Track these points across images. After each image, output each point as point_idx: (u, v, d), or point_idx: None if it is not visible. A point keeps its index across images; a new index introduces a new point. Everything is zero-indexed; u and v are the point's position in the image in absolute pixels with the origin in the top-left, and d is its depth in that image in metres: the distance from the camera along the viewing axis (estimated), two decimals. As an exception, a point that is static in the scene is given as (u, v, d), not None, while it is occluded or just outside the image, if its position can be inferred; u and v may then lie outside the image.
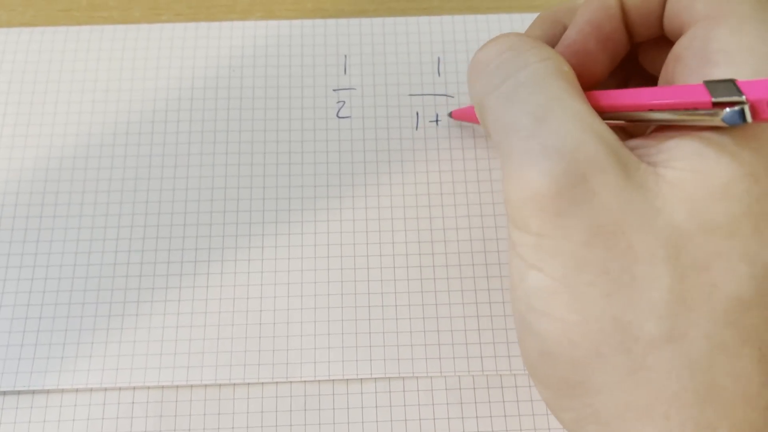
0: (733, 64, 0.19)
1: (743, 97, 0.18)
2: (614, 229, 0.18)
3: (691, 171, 0.18)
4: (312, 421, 0.27)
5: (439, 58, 0.34)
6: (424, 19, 0.34)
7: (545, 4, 0.35)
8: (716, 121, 0.18)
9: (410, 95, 0.33)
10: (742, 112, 0.18)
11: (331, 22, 0.34)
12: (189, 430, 0.27)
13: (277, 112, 0.32)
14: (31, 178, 0.31)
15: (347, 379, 0.28)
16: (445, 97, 0.33)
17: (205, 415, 0.27)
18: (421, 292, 0.29)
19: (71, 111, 0.32)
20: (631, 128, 0.25)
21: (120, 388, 0.27)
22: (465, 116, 0.31)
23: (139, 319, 0.28)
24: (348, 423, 0.27)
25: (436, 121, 0.32)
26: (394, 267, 0.30)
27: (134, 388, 0.27)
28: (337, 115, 0.32)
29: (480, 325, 0.29)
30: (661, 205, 0.18)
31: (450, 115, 0.32)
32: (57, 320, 0.28)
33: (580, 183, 0.18)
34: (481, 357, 0.28)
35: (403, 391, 0.28)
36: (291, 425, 0.27)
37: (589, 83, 0.23)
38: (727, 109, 0.18)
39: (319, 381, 0.28)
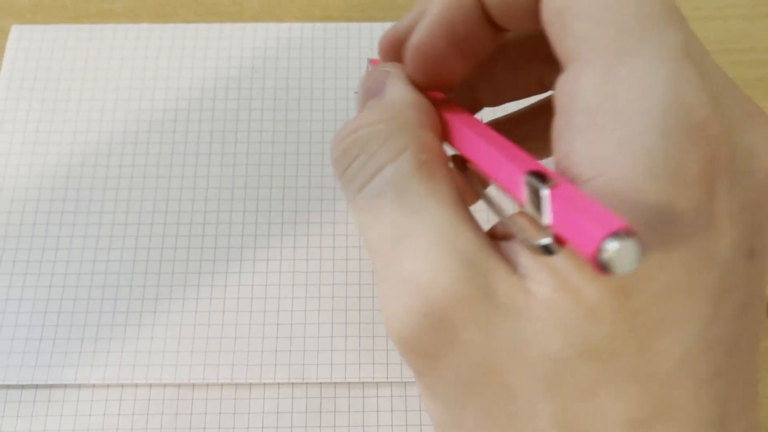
0: (596, 130, 0.15)
1: (548, 225, 0.15)
2: (486, 369, 0.16)
3: (560, 290, 0.15)
4: (327, 423, 0.27)
5: (461, 63, 0.34)
6: (447, 24, 0.34)
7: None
8: (527, 242, 0.15)
9: (432, 99, 0.33)
10: (546, 247, 0.15)
11: (353, 25, 0.34)
12: (204, 428, 0.27)
13: (298, 114, 0.32)
14: (53, 173, 0.31)
15: (363, 382, 0.28)
16: (466, 102, 0.33)
17: (220, 414, 0.27)
18: (439, 296, 0.29)
19: (94, 108, 0.33)
20: None
21: (136, 385, 0.27)
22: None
23: (157, 316, 0.28)
24: (363, 426, 0.27)
25: (457, 125, 0.32)
26: (413, 271, 0.29)
27: (150, 385, 0.27)
28: (358, 118, 0.32)
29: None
30: (533, 332, 0.16)
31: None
32: (76, 315, 0.28)
33: (441, 321, 0.16)
34: (499, 363, 0.28)
35: (419, 395, 0.27)
36: (306, 427, 0.27)
37: (449, 85, 0.20)
38: (535, 243, 0.15)
39: (335, 383, 0.28)
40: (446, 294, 0.16)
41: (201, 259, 0.30)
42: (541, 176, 0.15)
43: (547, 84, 0.22)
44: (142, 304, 0.29)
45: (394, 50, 0.21)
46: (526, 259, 0.16)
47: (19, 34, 0.34)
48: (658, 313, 0.15)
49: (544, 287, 0.16)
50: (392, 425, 0.27)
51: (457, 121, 0.19)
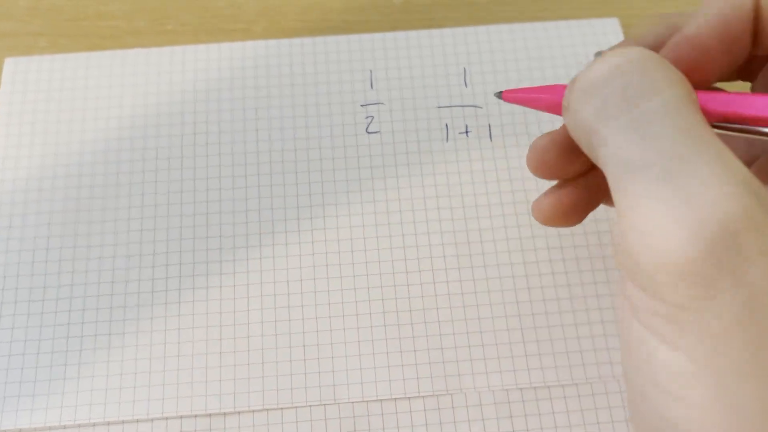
0: None
1: None
2: None
3: None
4: (362, 442, 0.27)
5: (465, 69, 0.34)
6: (447, 31, 0.34)
7: (552, 15, 0.35)
8: None
9: (438, 107, 0.33)
10: None
11: (354, 37, 0.34)
12: (239, 457, 0.27)
13: (306, 131, 0.32)
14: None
15: (395, 398, 0.28)
16: (473, 108, 0.33)
17: (254, 441, 0.27)
18: (463, 306, 0.29)
19: (98, 139, 0.32)
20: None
21: (167, 418, 0.27)
22: (521, 99, 0.25)
23: (182, 347, 0.28)
24: (399, 442, 0.27)
25: (466, 132, 0.32)
26: (434, 282, 0.29)
27: (181, 417, 0.27)
28: (367, 131, 0.32)
29: (524, 337, 0.28)
30: None
31: (499, 95, 0.25)
32: (98, 351, 0.28)
33: (734, 245, 0.15)
34: (528, 369, 0.28)
35: (452, 407, 0.27)
36: (342, 447, 0.27)
37: (697, 84, 0.20)
38: None
39: (367, 401, 0.27)
40: (742, 215, 0.15)
41: (221, 286, 0.29)
42: None
43: None
44: (165, 335, 0.28)
45: (664, 25, 0.21)
46: None
47: (14, 66, 0.33)
48: None
49: None
50: (428, 439, 0.27)
51: (722, 94, 0.19)
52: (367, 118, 0.33)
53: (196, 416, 0.27)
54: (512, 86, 0.33)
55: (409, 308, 0.29)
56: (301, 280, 0.29)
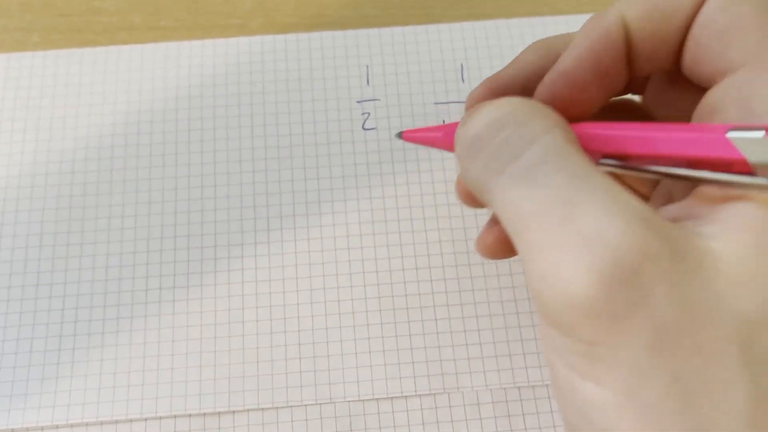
0: None
1: None
2: (678, 328, 0.16)
3: (752, 247, 0.16)
4: (359, 441, 0.27)
5: (462, 65, 0.33)
6: (444, 27, 0.34)
7: (550, 10, 0.35)
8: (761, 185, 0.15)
9: (435, 103, 0.32)
10: None
11: (350, 33, 0.34)
12: (234, 457, 0.26)
13: (302, 127, 0.32)
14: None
15: (392, 397, 0.27)
16: (471, 104, 0.32)
17: (249, 440, 0.27)
18: (461, 304, 0.29)
19: (91, 135, 0.32)
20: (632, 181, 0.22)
21: (161, 417, 0.27)
22: (419, 139, 0.25)
23: (176, 346, 0.28)
24: (395, 442, 0.27)
25: (464, 129, 0.32)
26: (431, 280, 0.29)
27: (176, 416, 0.27)
28: (363, 127, 0.32)
29: (522, 335, 0.28)
30: (722, 291, 0.16)
31: (399, 136, 0.25)
32: (91, 350, 0.28)
33: (633, 278, 0.15)
34: (526, 367, 0.28)
35: (449, 406, 0.27)
36: (338, 447, 0.27)
37: (575, 118, 0.21)
38: None
39: (363, 400, 0.27)
40: (638, 248, 0.15)
41: (215, 284, 0.29)
42: (739, 129, 0.16)
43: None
44: (159, 333, 0.28)
45: (493, 95, 0.22)
46: (698, 222, 0.17)
47: (6, 63, 0.33)
48: None
49: (732, 245, 0.16)
50: (425, 438, 0.27)
51: (604, 128, 0.19)
52: (363, 114, 0.32)
53: (190, 415, 0.27)
54: (510, 82, 0.33)
55: (406, 306, 0.29)
56: (296, 278, 0.29)
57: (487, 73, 0.33)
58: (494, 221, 0.24)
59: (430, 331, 0.28)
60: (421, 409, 0.27)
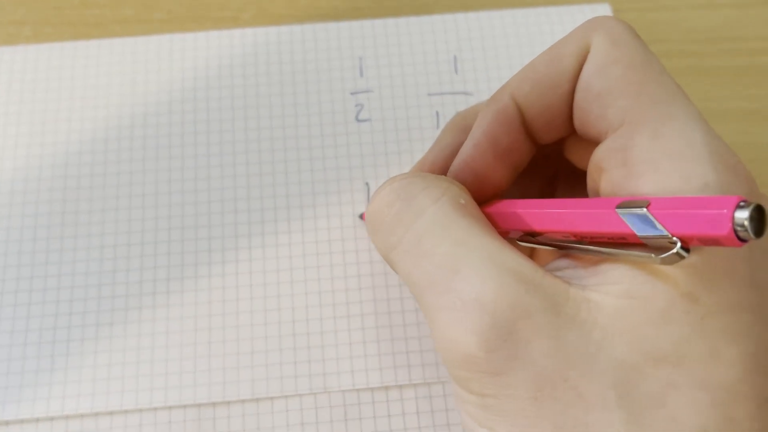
0: (660, 173, 0.17)
1: (668, 234, 0.16)
2: (558, 378, 0.17)
3: (627, 297, 0.17)
4: (353, 431, 0.27)
5: (455, 56, 0.33)
6: (437, 18, 0.34)
7: (543, 0, 0.35)
8: (649, 258, 0.16)
9: (429, 95, 0.32)
10: (678, 253, 0.16)
11: (343, 24, 0.34)
12: (229, 447, 0.26)
13: (295, 119, 0.32)
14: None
15: (386, 387, 0.27)
16: (464, 95, 0.32)
17: (244, 431, 0.27)
18: (455, 294, 0.29)
19: (85, 129, 0.32)
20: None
21: (156, 409, 0.27)
22: None
23: (170, 337, 0.28)
24: (390, 431, 0.27)
25: (457, 120, 0.32)
26: (425, 270, 0.29)
27: (170, 407, 0.27)
28: (357, 119, 0.32)
29: (516, 324, 0.28)
30: (600, 339, 0.17)
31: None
32: (86, 342, 0.28)
33: (509, 335, 0.17)
34: (520, 356, 0.28)
35: (444, 395, 0.27)
36: (333, 436, 0.27)
37: (489, 195, 0.22)
38: (663, 255, 0.16)
39: (358, 390, 0.27)
40: (512, 307, 0.17)
41: (210, 275, 0.29)
42: (628, 204, 0.17)
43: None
44: (153, 325, 0.28)
45: (458, 130, 0.24)
46: (581, 274, 0.18)
47: (-1, 56, 0.33)
48: (725, 321, 0.16)
49: (609, 296, 0.17)
50: (419, 427, 0.27)
51: (505, 207, 0.21)
52: (356, 106, 0.32)
53: (185, 406, 0.27)
54: (503, 72, 0.33)
55: (401, 296, 0.29)
56: (290, 269, 0.29)
57: (481, 64, 0.33)
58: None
59: (424, 321, 0.28)
60: (416, 398, 0.27)
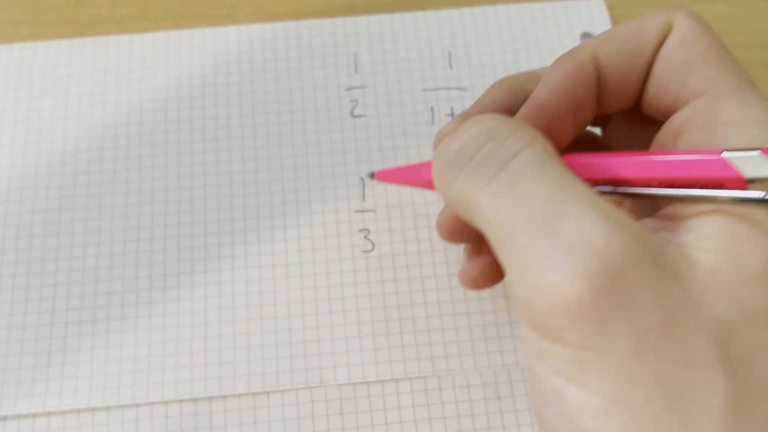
0: (746, 134, 0.18)
1: None
2: (662, 332, 0.16)
3: (725, 254, 0.17)
4: (350, 424, 0.27)
5: (450, 52, 0.33)
6: (431, 14, 0.34)
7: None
8: (750, 199, 0.17)
9: (424, 90, 0.33)
10: None
11: (338, 21, 0.34)
12: (226, 441, 0.26)
13: (290, 115, 0.32)
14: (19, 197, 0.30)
15: (382, 381, 0.27)
16: (459, 90, 0.33)
17: (240, 425, 0.27)
18: (450, 288, 0.29)
19: (81, 126, 0.32)
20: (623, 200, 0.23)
21: (152, 403, 0.27)
22: (394, 178, 0.26)
23: (167, 331, 0.28)
24: (386, 424, 0.27)
25: (452, 115, 0.32)
26: (420, 264, 0.29)
27: (167, 402, 0.27)
28: (351, 115, 0.32)
29: (511, 317, 0.28)
30: (699, 295, 0.17)
31: (372, 176, 0.26)
32: (83, 338, 0.28)
33: (619, 283, 0.16)
34: (515, 350, 0.28)
35: (440, 388, 0.27)
36: (329, 430, 0.27)
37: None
38: None
39: (354, 384, 0.27)
40: (623, 254, 0.16)
41: (206, 271, 0.29)
42: (732, 151, 0.18)
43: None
44: (149, 320, 0.28)
45: (507, 89, 0.23)
46: (670, 233, 0.18)
47: (-5, 54, 0.33)
48: None
49: (705, 253, 0.17)
50: (415, 420, 0.27)
51: (583, 157, 0.20)
52: (351, 102, 0.32)
53: (181, 401, 0.27)
54: (498, 67, 0.33)
55: (396, 290, 0.29)
56: (286, 264, 0.29)
57: (475, 60, 0.33)
58: (473, 252, 0.24)
59: (419, 315, 0.28)
60: (412, 391, 0.27)
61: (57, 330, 0.28)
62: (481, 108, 0.23)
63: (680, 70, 0.21)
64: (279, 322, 0.28)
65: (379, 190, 0.31)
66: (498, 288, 0.29)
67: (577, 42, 0.33)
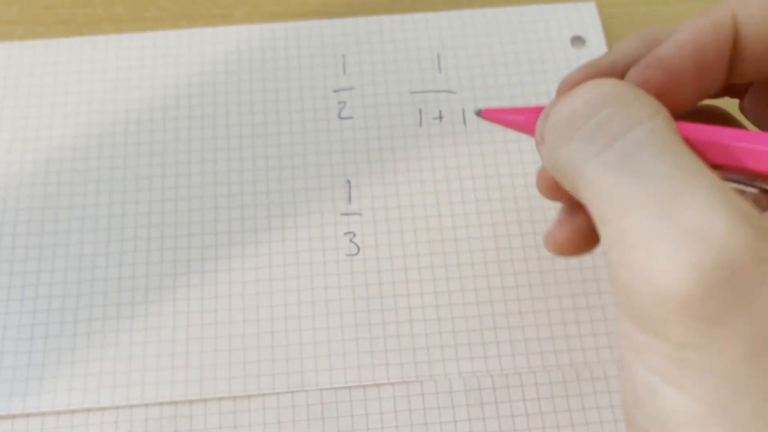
0: None
1: None
2: None
3: None
4: (330, 429, 0.27)
5: (438, 54, 0.33)
6: (421, 16, 0.34)
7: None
8: None
9: (412, 92, 0.32)
10: None
11: (327, 22, 0.34)
12: (205, 444, 0.26)
13: (277, 116, 0.32)
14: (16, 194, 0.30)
15: (364, 385, 0.27)
16: (447, 93, 0.32)
17: (221, 429, 0.27)
18: (434, 292, 0.29)
19: (67, 124, 0.32)
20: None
21: (132, 406, 0.27)
22: (499, 119, 0.25)
23: (148, 333, 0.28)
24: (367, 430, 0.27)
25: (440, 117, 0.32)
26: (406, 268, 0.29)
27: (147, 405, 0.27)
28: (339, 117, 0.32)
29: (496, 323, 0.28)
30: None
31: (478, 113, 0.24)
32: (64, 339, 0.28)
33: (736, 278, 0.15)
34: (499, 356, 0.28)
35: (422, 394, 0.27)
36: (309, 435, 0.26)
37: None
38: None
39: (335, 388, 0.27)
40: (742, 249, 0.15)
41: (189, 272, 0.29)
42: None
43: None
44: (131, 322, 0.28)
45: (646, 39, 0.20)
46: None
47: (-18, 52, 0.33)
48: None
49: None
50: (397, 426, 0.27)
51: (705, 133, 0.18)
52: (339, 103, 0.32)
53: (161, 404, 0.27)
54: (486, 71, 0.33)
55: (380, 294, 0.29)
56: (270, 267, 0.29)
57: (464, 62, 0.33)
58: (567, 216, 0.22)
59: (403, 319, 0.28)
60: (394, 397, 0.27)
61: (37, 331, 0.28)
62: (613, 58, 0.21)
63: None
64: (261, 324, 0.28)
65: (365, 192, 0.30)
66: (483, 294, 0.29)
67: (567, 46, 0.33)
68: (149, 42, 0.33)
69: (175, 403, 0.27)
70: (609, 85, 0.18)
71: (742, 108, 0.22)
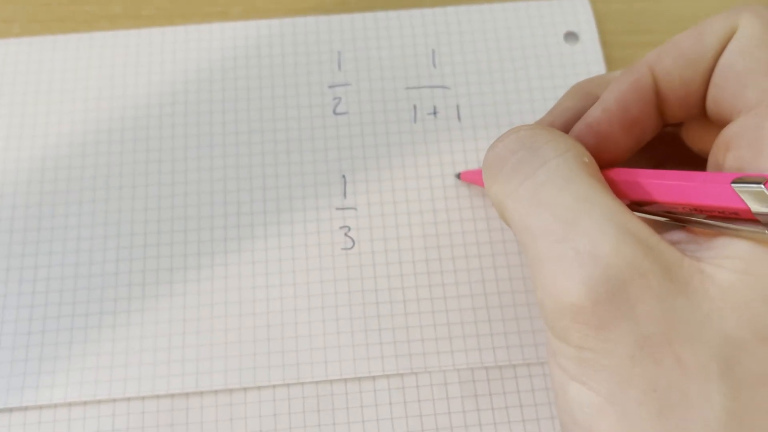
0: None
1: None
2: (661, 341, 0.17)
3: (742, 273, 0.17)
4: (326, 421, 0.27)
5: (433, 50, 0.33)
6: (416, 12, 0.34)
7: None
8: (762, 234, 0.17)
9: (407, 88, 0.33)
10: None
11: (323, 18, 0.34)
12: (202, 437, 0.26)
13: (273, 112, 0.32)
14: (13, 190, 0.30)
15: (359, 378, 0.27)
16: (442, 88, 0.33)
17: (217, 421, 0.27)
18: (429, 285, 0.29)
19: (63, 121, 0.32)
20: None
21: (129, 399, 0.27)
22: (474, 180, 0.30)
23: (144, 328, 0.28)
24: (363, 421, 0.27)
25: (434, 113, 0.32)
26: (400, 262, 0.29)
27: (143, 398, 0.27)
28: (334, 112, 0.32)
29: (490, 315, 0.28)
30: (708, 310, 0.17)
31: (458, 176, 0.30)
32: (61, 333, 0.28)
33: (620, 291, 0.17)
34: (494, 348, 0.28)
35: (417, 386, 0.27)
36: (305, 426, 0.27)
37: (605, 165, 0.22)
38: None
39: (331, 381, 0.27)
40: (627, 265, 0.17)
41: (185, 267, 0.29)
42: (745, 180, 0.17)
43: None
44: (128, 316, 0.28)
45: (582, 94, 0.24)
46: (696, 246, 0.18)
47: (-21, 49, 0.33)
48: None
49: (723, 270, 0.17)
50: (392, 418, 0.27)
51: (623, 174, 0.21)
52: (334, 99, 0.32)
53: (158, 397, 0.27)
54: (482, 66, 0.33)
55: (375, 287, 0.29)
56: (266, 261, 0.29)
57: (459, 58, 0.33)
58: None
59: (398, 312, 0.28)
60: (389, 389, 0.27)
61: (35, 325, 0.28)
62: (552, 117, 0.24)
63: (737, 80, 0.20)
64: (257, 318, 0.28)
65: (361, 187, 0.31)
66: (477, 287, 0.29)
67: (561, 42, 0.33)
68: (145, 39, 0.34)
69: (172, 395, 0.27)
70: (525, 129, 0.21)
71: (682, 137, 0.24)
